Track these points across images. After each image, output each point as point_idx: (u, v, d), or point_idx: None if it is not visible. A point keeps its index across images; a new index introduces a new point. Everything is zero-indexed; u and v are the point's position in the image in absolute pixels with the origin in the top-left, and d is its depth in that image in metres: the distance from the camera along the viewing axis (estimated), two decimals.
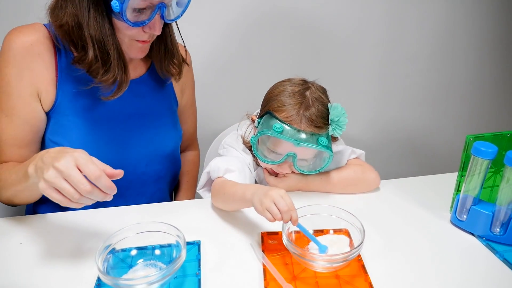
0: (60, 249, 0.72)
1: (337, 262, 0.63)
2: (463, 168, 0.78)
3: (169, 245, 0.68)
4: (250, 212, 0.83)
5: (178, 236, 0.65)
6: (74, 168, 0.59)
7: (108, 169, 0.61)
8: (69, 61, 0.81)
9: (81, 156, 0.60)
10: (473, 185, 0.75)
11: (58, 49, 0.82)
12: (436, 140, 1.83)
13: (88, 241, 0.75)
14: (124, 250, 0.68)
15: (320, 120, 0.83)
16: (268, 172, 0.93)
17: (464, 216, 0.78)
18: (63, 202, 0.61)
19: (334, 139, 0.93)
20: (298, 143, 0.81)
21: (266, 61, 1.47)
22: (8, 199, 0.80)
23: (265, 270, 0.66)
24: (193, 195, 1.17)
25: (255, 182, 0.97)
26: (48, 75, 0.81)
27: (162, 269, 0.59)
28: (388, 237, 0.76)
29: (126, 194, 0.93)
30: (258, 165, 0.96)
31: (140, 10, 0.75)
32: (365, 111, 1.69)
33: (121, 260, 0.67)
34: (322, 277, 0.66)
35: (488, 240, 0.74)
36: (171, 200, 1.13)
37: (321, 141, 0.82)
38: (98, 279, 0.64)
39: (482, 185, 0.74)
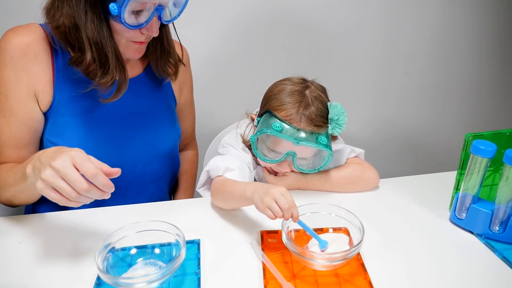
0: (60, 248, 0.72)
1: (337, 260, 0.63)
2: (462, 167, 0.78)
3: (169, 244, 0.68)
4: (250, 211, 0.83)
5: (177, 235, 0.65)
6: (71, 167, 0.58)
7: (106, 167, 0.61)
8: (66, 61, 0.81)
9: (78, 154, 0.60)
10: (472, 184, 0.75)
11: (55, 50, 0.82)
12: (435, 138, 1.83)
13: (88, 240, 0.75)
14: (123, 249, 0.68)
15: (320, 119, 0.83)
16: (268, 171, 0.93)
17: (463, 214, 0.78)
18: (61, 201, 0.61)
19: (334, 138, 0.93)
20: (298, 142, 0.81)
21: (266, 60, 1.47)
22: (8, 200, 0.80)
23: (264, 269, 0.67)
24: (192, 194, 1.17)
25: (255, 180, 0.97)
26: (44, 76, 0.81)
27: (162, 268, 0.59)
28: (387, 235, 0.76)
29: (125, 193, 0.93)
30: (257, 164, 0.96)
31: (137, 12, 0.75)
32: (365, 110, 1.69)
33: (120, 259, 0.67)
34: (321, 275, 0.66)
35: (487, 238, 0.75)
36: (170, 200, 1.13)
37: (321, 140, 0.82)
38: (98, 278, 0.64)
39: (481, 183, 0.74)
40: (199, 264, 0.68)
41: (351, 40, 1.52)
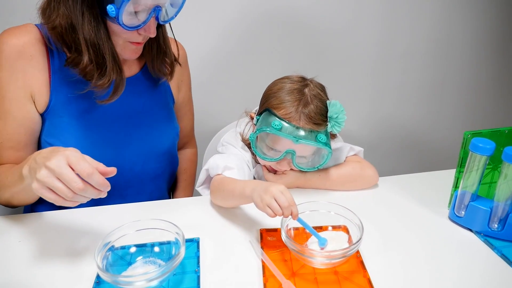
0: (59, 247, 0.72)
1: (336, 258, 0.63)
2: (461, 165, 0.78)
3: (168, 242, 0.68)
4: (249, 209, 0.83)
5: (177, 233, 0.65)
6: (66, 167, 0.58)
7: (101, 166, 0.61)
8: (62, 62, 0.80)
9: (72, 154, 0.59)
10: (471, 181, 0.75)
11: (51, 51, 0.81)
12: (434, 136, 1.83)
13: (87, 239, 0.75)
14: (123, 247, 0.68)
15: (319, 117, 0.83)
16: (267, 169, 0.93)
17: (462, 212, 0.78)
18: (58, 201, 0.61)
19: (333, 136, 0.93)
20: (297, 140, 0.81)
21: (265, 59, 1.47)
22: (7, 201, 0.80)
23: (264, 267, 0.67)
24: (191, 193, 1.17)
25: (254, 179, 0.97)
26: (41, 77, 0.81)
27: (161, 266, 0.59)
28: (386, 233, 0.77)
29: (124, 193, 0.93)
30: (257, 162, 0.96)
31: (135, 13, 0.74)
32: (364, 108, 1.69)
33: (120, 258, 0.67)
34: (321, 273, 0.66)
35: (486, 236, 0.75)
36: (170, 198, 1.13)
37: (320, 138, 0.82)
38: (98, 277, 0.64)
39: (480, 181, 0.75)
40: (198, 262, 0.68)
41: (350, 38, 1.52)
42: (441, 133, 1.82)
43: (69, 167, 0.58)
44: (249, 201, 0.73)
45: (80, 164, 0.59)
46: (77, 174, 0.59)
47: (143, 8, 0.74)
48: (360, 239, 0.64)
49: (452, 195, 0.82)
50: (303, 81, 0.88)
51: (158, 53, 0.90)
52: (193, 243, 0.73)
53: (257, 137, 0.87)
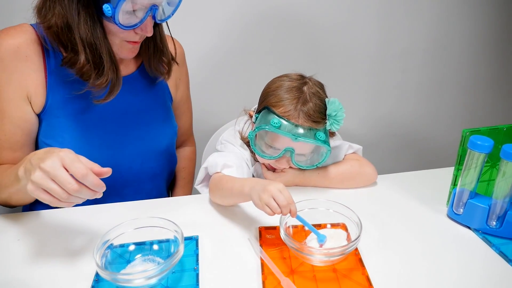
0: (59, 245, 0.73)
1: (335, 255, 0.63)
2: (459, 162, 0.78)
3: (167, 240, 0.68)
4: (248, 207, 0.83)
5: (176, 231, 0.65)
6: (60, 168, 0.58)
7: (96, 167, 0.60)
8: (58, 62, 0.80)
9: (67, 155, 0.59)
10: (469, 179, 0.75)
11: (47, 50, 0.80)
12: (432, 134, 1.83)
13: (86, 237, 0.75)
14: (122, 245, 0.68)
15: (318, 115, 0.83)
16: (266, 167, 0.93)
17: (461, 209, 0.78)
18: (53, 202, 0.60)
19: (332, 134, 0.93)
20: (296, 138, 0.81)
21: (264, 57, 1.47)
22: (4, 201, 0.80)
23: (263, 265, 0.67)
24: (190, 191, 1.17)
25: (253, 177, 0.97)
26: (37, 77, 0.80)
27: (160, 264, 0.59)
28: (385, 231, 0.77)
29: (123, 192, 0.92)
30: (256, 160, 0.96)
31: (131, 12, 0.74)
32: (362, 106, 1.69)
33: (119, 256, 0.67)
34: (319, 270, 0.66)
35: (485, 233, 0.75)
36: (168, 197, 1.13)
37: (319, 136, 0.82)
38: (97, 274, 0.65)
39: (478, 179, 0.75)
40: (197, 260, 0.68)
41: (349, 37, 1.52)
42: (440, 131, 1.83)
43: (63, 168, 0.58)
44: (248, 199, 0.73)
45: (74, 165, 0.58)
46: (72, 175, 0.58)
47: (140, 7, 0.73)
48: (359, 236, 0.64)
49: (450, 192, 0.82)
50: (302, 79, 0.88)
51: (155, 52, 0.89)
52: (192, 241, 0.73)
53: (256, 135, 0.87)
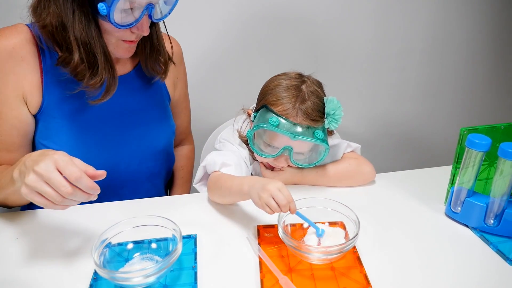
0: (57, 244, 0.72)
1: (333, 254, 0.63)
2: (457, 161, 0.78)
3: (166, 239, 0.68)
4: (246, 206, 0.83)
5: (174, 229, 0.65)
6: (54, 171, 0.58)
7: (90, 169, 0.60)
8: (54, 61, 0.79)
9: (61, 158, 0.59)
10: (467, 178, 0.75)
11: (42, 50, 0.80)
12: (430, 133, 1.84)
13: (85, 236, 0.75)
14: (120, 244, 0.68)
15: (316, 114, 0.83)
16: (264, 166, 0.93)
17: (459, 208, 0.78)
18: (47, 205, 0.60)
19: (330, 132, 0.93)
20: (294, 137, 0.81)
21: (262, 56, 1.47)
22: (2, 202, 0.80)
23: (261, 263, 0.67)
24: (188, 190, 1.17)
25: (252, 175, 0.97)
26: (32, 78, 0.80)
27: (159, 262, 0.59)
28: (383, 229, 0.77)
29: (120, 192, 0.92)
30: (254, 159, 0.96)
31: (127, 11, 0.73)
32: (361, 105, 1.69)
33: (117, 254, 0.67)
34: (317, 269, 0.66)
35: (482, 231, 0.75)
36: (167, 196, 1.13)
37: (317, 134, 0.82)
38: (95, 273, 0.65)
39: (476, 177, 0.75)
40: (195, 258, 0.68)
41: (347, 36, 1.52)
42: (438, 129, 1.83)
43: (57, 171, 0.58)
44: (247, 198, 0.73)
45: (68, 168, 0.58)
46: (66, 178, 0.58)
47: (136, 5, 0.73)
48: (357, 235, 0.65)
49: (448, 191, 0.82)
50: (300, 78, 0.88)
51: (152, 51, 0.88)
52: (191, 239, 0.73)
53: (254, 133, 0.87)
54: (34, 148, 0.88)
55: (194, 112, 1.18)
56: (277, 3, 1.39)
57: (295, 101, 0.83)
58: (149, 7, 0.75)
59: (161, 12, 0.80)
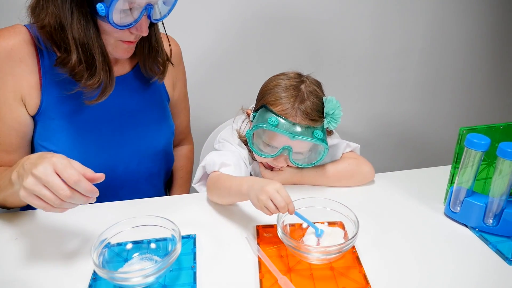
0: (56, 244, 0.72)
1: (332, 253, 0.63)
2: (456, 161, 0.78)
3: (165, 239, 0.68)
4: (246, 206, 0.83)
5: (173, 229, 0.65)
6: (53, 174, 0.58)
7: (89, 172, 0.60)
8: (52, 62, 0.79)
9: (59, 161, 0.59)
10: (466, 177, 0.75)
11: (40, 51, 0.80)
12: (429, 133, 1.84)
13: (84, 236, 0.75)
14: (119, 244, 0.68)
15: (315, 113, 0.83)
16: (264, 166, 0.93)
17: (458, 208, 0.78)
18: (46, 208, 0.60)
19: (329, 132, 0.93)
20: (294, 136, 0.81)
21: (261, 56, 1.47)
22: (0, 203, 0.80)
23: (260, 263, 0.67)
24: (188, 190, 1.17)
25: (251, 176, 0.97)
26: (31, 79, 0.80)
27: (158, 262, 0.59)
28: (382, 229, 0.77)
29: (119, 193, 0.92)
30: (253, 159, 0.96)
31: (126, 11, 0.73)
32: (360, 105, 1.69)
33: (116, 254, 0.67)
34: (317, 269, 0.66)
35: (481, 231, 0.75)
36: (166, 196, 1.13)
37: (316, 134, 0.82)
38: (94, 273, 0.65)
39: (475, 177, 0.75)
40: (195, 258, 0.68)
41: (345, 35, 1.52)
42: (437, 129, 1.83)
43: (56, 175, 0.58)
44: (246, 198, 0.73)
45: (66, 171, 0.58)
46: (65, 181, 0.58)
47: (135, 6, 0.73)
48: (356, 234, 0.65)
49: (447, 191, 0.82)
50: (299, 78, 0.88)
51: (150, 52, 0.88)
52: (190, 239, 0.73)
53: (253, 133, 0.87)
54: (33, 149, 0.88)
55: (193, 112, 1.18)
56: (276, 3, 1.39)
57: (294, 101, 0.83)
58: (148, 8, 0.75)
59: (160, 13, 0.79)
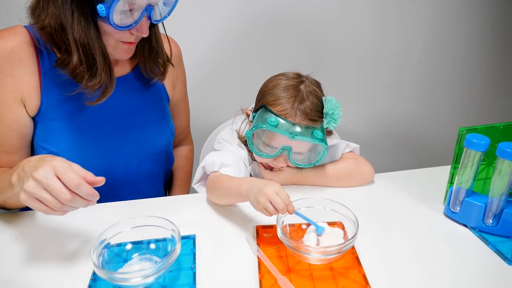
0: (56, 245, 0.72)
1: (331, 254, 0.63)
2: (456, 161, 0.78)
3: (164, 239, 0.68)
4: (245, 206, 0.83)
5: (173, 230, 0.65)
6: (53, 177, 0.58)
7: (89, 176, 0.60)
8: (52, 63, 0.79)
9: (59, 164, 0.59)
10: (466, 177, 0.75)
11: (40, 52, 0.79)
12: (429, 133, 1.84)
13: (83, 236, 0.75)
14: (119, 244, 0.68)
15: (315, 113, 0.83)
16: (264, 166, 0.93)
17: (457, 208, 0.78)
18: (47, 211, 0.60)
19: (329, 132, 0.93)
20: (293, 137, 0.81)
21: (261, 56, 1.47)
22: (0, 204, 0.80)
23: (260, 263, 0.67)
24: (188, 190, 1.17)
25: (250, 176, 0.97)
26: (31, 80, 0.80)
27: (157, 263, 0.59)
28: (382, 229, 0.77)
29: (120, 194, 0.92)
30: (253, 159, 0.96)
31: (126, 12, 0.73)
32: (359, 105, 1.69)
33: (116, 255, 0.67)
34: (316, 269, 0.66)
35: (481, 231, 0.75)
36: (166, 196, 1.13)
37: (316, 134, 0.82)
38: (94, 274, 0.65)
39: (475, 177, 0.75)
40: (194, 259, 0.68)
41: (345, 35, 1.52)
42: (436, 129, 1.83)
43: (56, 178, 0.58)
44: (245, 199, 0.73)
45: (67, 174, 0.58)
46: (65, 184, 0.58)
47: (135, 7, 0.73)
48: (355, 234, 0.65)
49: (447, 191, 0.82)
50: (299, 78, 0.88)
51: (150, 53, 0.88)
52: (189, 240, 0.73)
53: (253, 134, 0.87)
54: (33, 150, 0.88)
55: (193, 113, 1.18)
56: (276, 3, 1.40)
57: (294, 101, 0.83)
58: (149, 9, 0.75)
59: (160, 14, 0.79)
